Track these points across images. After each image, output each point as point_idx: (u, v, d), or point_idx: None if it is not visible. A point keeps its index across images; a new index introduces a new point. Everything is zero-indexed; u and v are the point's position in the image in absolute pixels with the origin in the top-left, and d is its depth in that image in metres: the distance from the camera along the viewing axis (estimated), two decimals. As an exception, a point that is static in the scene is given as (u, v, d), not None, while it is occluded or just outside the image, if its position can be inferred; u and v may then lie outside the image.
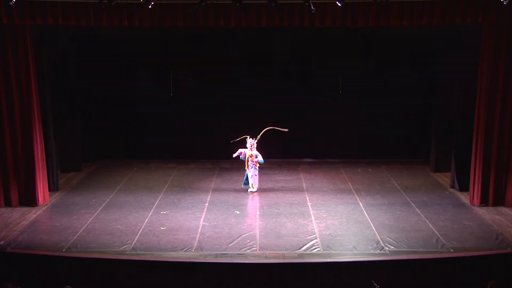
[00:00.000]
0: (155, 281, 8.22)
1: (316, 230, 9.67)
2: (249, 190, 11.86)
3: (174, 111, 14.16)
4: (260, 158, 11.75)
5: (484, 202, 10.91)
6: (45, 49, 11.73)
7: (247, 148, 11.77)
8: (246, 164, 11.81)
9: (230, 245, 9.06)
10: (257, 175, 11.91)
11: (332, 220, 10.21)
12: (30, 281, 7.90)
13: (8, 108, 10.74)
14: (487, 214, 10.50)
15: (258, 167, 11.88)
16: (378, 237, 9.34)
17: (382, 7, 10.03)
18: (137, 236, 9.41)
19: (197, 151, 14.43)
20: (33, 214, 10.60)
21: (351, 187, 12.25)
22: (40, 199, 11.08)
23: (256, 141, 11.75)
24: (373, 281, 7.47)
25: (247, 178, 11.89)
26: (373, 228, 9.75)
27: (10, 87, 10.67)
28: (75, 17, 10.20)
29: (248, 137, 11.75)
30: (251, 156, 11.72)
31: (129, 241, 9.19)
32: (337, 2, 9.54)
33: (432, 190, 12.02)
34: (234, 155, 11.84)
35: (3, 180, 10.93)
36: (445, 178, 12.82)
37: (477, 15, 10.11)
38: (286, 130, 11.91)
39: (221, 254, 8.72)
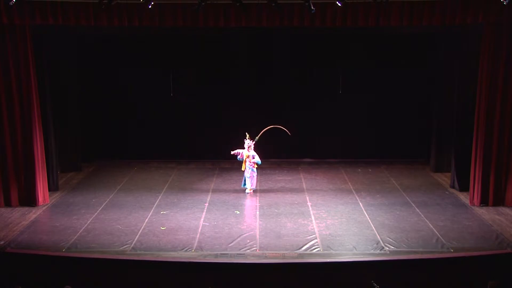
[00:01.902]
0: (155, 281, 8.22)
1: (316, 230, 9.67)
2: (246, 191, 11.84)
3: (174, 111, 14.16)
4: (257, 159, 11.72)
5: (484, 202, 10.91)
6: (45, 49, 11.73)
7: (244, 148, 11.75)
8: (243, 165, 11.80)
9: (230, 245, 9.06)
10: (255, 176, 11.86)
11: (332, 220, 10.21)
12: (30, 281, 7.89)
13: (8, 108, 10.75)
14: (487, 214, 10.51)
15: (256, 168, 11.85)
16: (378, 237, 9.34)
17: (382, 7, 10.04)
18: (137, 236, 9.41)
19: (197, 151, 14.44)
20: (33, 214, 10.60)
21: (351, 187, 12.25)
22: (40, 199, 11.08)
23: (254, 142, 11.71)
24: (372, 281, 7.47)
25: (245, 179, 11.87)
26: (373, 228, 9.75)
27: (10, 87, 10.67)
28: (75, 17, 10.21)
29: (247, 137, 11.71)
30: (248, 157, 11.69)
31: (129, 241, 9.19)
32: (337, 2, 9.55)
33: (432, 190, 12.02)
34: (232, 153, 11.82)
35: (3, 180, 10.94)
36: (445, 178, 12.82)
37: (477, 15, 10.12)
38: (289, 133, 11.92)
39: (221, 254, 8.72)
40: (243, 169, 11.83)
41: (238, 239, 9.30)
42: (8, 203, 10.98)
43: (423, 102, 14.00)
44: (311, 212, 10.62)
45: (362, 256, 8.68)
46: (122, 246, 9.01)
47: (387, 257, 8.63)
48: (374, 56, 13.71)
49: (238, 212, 10.67)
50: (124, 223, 10.04)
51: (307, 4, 9.23)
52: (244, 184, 11.89)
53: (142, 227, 9.83)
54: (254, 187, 11.87)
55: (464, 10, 10.11)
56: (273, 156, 14.10)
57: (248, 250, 8.86)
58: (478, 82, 10.75)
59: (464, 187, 11.67)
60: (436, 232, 9.54)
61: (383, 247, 8.93)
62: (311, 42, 13.51)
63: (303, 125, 14.11)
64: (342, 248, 8.95)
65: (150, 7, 9.59)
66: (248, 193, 11.77)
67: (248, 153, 11.69)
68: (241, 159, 11.80)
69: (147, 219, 10.23)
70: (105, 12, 10.06)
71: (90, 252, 8.77)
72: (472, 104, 11.17)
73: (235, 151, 11.81)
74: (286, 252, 8.80)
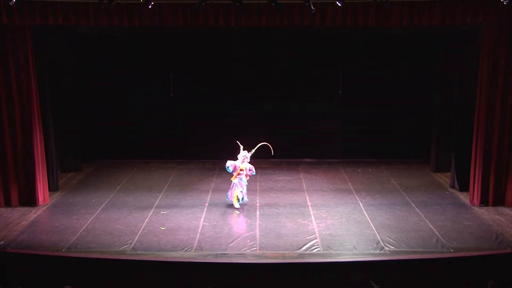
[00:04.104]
0: (155, 281, 8.22)
1: (316, 230, 9.67)
2: (236, 205, 10.79)
3: (174, 111, 14.16)
4: (254, 170, 10.98)
5: (484, 202, 10.91)
6: (45, 49, 11.73)
7: (237, 159, 10.85)
8: (234, 176, 10.81)
9: (230, 245, 9.07)
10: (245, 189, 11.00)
11: (332, 220, 10.21)
12: (30, 281, 7.89)
13: (8, 108, 10.75)
14: (487, 214, 10.51)
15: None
16: (378, 237, 9.34)
17: (382, 7, 10.03)
18: (137, 236, 9.42)
19: (197, 151, 14.43)
20: (33, 214, 10.60)
21: (351, 187, 12.25)
22: (40, 199, 11.08)
23: (250, 154, 10.86)
24: (371, 281, 7.47)
25: (235, 192, 10.77)
26: (373, 228, 9.75)
27: (10, 87, 10.68)
28: (75, 17, 10.20)
29: (241, 148, 10.90)
30: (243, 169, 10.76)
31: (129, 241, 9.20)
32: (337, 2, 9.55)
33: (432, 190, 12.02)
34: (228, 165, 10.79)
35: (3, 180, 10.93)
36: (445, 178, 12.82)
37: (477, 15, 10.11)
38: (272, 152, 11.05)
39: (221, 254, 8.73)
40: (233, 179, 10.85)
41: (238, 239, 9.30)
42: (8, 203, 10.98)
43: (423, 102, 13.99)
44: (311, 212, 10.62)
45: (362, 256, 8.68)
46: (122, 246, 9.01)
47: (387, 257, 8.63)
48: (374, 56, 13.70)
49: (238, 212, 10.67)
50: (124, 223, 10.04)
51: (307, 4, 9.22)
52: (229, 198, 10.90)
53: (142, 227, 9.83)
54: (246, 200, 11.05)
55: (464, 10, 10.10)
56: (273, 156, 14.07)
57: (248, 250, 8.86)
58: (478, 82, 10.75)
59: (464, 187, 11.67)
60: (436, 232, 9.54)
61: (383, 247, 8.93)
62: (311, 42, 13.51)
63: (303, 125, 14.11)
64: (342, 248, 8.95)
65: (150, 7, 9.59)
66: (238, 207, 10.76)
67: (243, 165, 10.77)
68: (231, 171, 10.82)
69: (147, 219, 10.23)
70: (105, 12, 10.05)
71: (90, 252, 8.77)
72: (472, 104, 11.16)
73: (231, 165, 10.77)
74: (286, 252, 8.80)
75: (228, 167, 10.84)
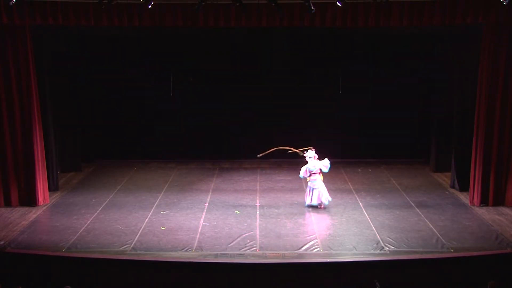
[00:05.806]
0: (155, 281, 8.22)
1: (316, 230, 9.67)
2: (326, 202, 10.74)
3: (174, 111, 14.15)
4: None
5: (484, 202, 10.91)
6: (45, 49, 11.73)
7: (307, 162, 10.85)
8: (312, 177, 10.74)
9: (230, 245, 9.06)
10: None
11: (332, 220, 10.21)
12: (30, 281, 7.89)
13: (8, 108, 10.75)
14: (487, 214, 10.51)
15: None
16: (378, 237, 9.34)
17: (382, 7, 10.04)
18: (137, 236, 9.42)
19: (197, 151, 14.42)
20: (33, 214, 10.60)
21: (351, 187, 12.24)
22: (40, 199, 11.08)
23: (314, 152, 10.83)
24: (375, 280, 7.45)
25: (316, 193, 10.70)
26: (373, 228, 9.75)
27: (10, 87, 10.68)
28: (75, 17, 10.21)
29: (305, 152, 10.94)
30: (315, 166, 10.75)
31: (129, 241, 9.20)
32: (337, 2, 9.55)
33: (432, 190, 12.02)
34: (305, 175, 10.84)
35: (3, 180, 10.94)
36: (445, 178, 12.82)
37: (477, 15, 10.12)
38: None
39: (221, 254, 8.73)
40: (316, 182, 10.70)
41: (238, 239, 9.30)
42: (8, 203, 10.98)
43: (423, 102, 13.99)
44: (311, 212, 10.61)
45: (362, 256, 8.68)
46: (122, 246, 9.01)
47: (387, 257, 8.63)
48: (374, 56, 13.69)
49: (238, 212, 10.66)
50: (124, 223, 10.04)
51: (307, 4, 9.22)
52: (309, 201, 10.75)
53: (142, 227, 9.83)
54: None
55: (464, 10, 10.11)
56: (274, 156, 14.06)
57: (248, 250, 8.86)
58: (478, 82, 10.76)
59: (464, 187, 11.67)
60: (436, 232, 9.54)
61: (383, 247, 8.93)
62: (311, 42, 13.48)
63: (303, 124, 14.10)
64: (342, 248, 8.95)
65: (150, 7, 9.59)
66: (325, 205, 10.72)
67: (316, 163, 10.77)
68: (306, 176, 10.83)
69: (147, 219, 10.23)
70: (105, 12, 10.06)
71: (90, 252, 8.78)
72: (472, 104, 11.17)
73: (305, 170, 10.80)
74: (286, 252, 8.81)
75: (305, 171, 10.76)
